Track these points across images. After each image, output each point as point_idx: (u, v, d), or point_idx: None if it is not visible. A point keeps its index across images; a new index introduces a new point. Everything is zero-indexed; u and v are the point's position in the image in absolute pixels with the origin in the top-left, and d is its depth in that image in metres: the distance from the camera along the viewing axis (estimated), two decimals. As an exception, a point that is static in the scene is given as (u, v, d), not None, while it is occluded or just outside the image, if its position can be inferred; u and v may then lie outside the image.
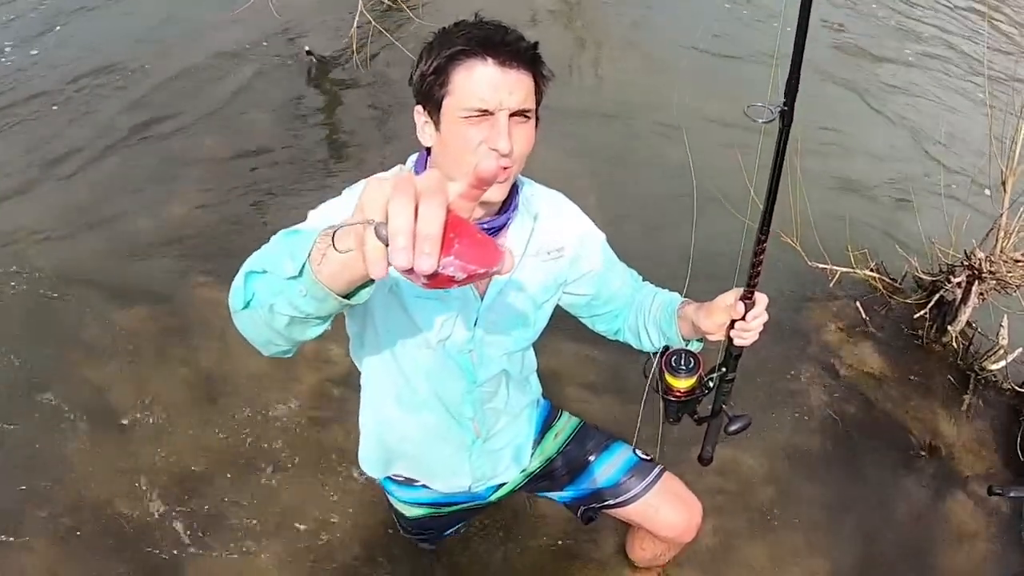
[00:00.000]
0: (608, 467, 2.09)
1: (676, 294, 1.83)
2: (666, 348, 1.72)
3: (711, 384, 1.70)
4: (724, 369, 1.72)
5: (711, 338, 1.65)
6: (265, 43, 5.27)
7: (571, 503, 2.18)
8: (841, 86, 5.58)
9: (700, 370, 1.65)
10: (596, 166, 4.42)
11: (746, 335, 1.61)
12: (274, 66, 5.08)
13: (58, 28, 5.20)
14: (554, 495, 2.18)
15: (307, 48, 5.12)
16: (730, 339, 1.64)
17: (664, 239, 3.80)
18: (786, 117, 1.36)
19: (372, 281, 0.98)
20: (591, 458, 2.10)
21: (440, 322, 1.62)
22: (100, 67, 4.84)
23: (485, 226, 1.54)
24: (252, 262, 1.16)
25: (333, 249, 0.93)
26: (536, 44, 1.43)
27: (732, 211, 2.84)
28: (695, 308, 1.68)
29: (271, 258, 1.11)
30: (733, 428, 1.73)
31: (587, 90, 5.20)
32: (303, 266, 1.00)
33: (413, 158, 1.63)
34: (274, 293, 1.09)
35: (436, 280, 0.79)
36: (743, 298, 1.56)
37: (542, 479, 2.13)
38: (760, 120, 1.35)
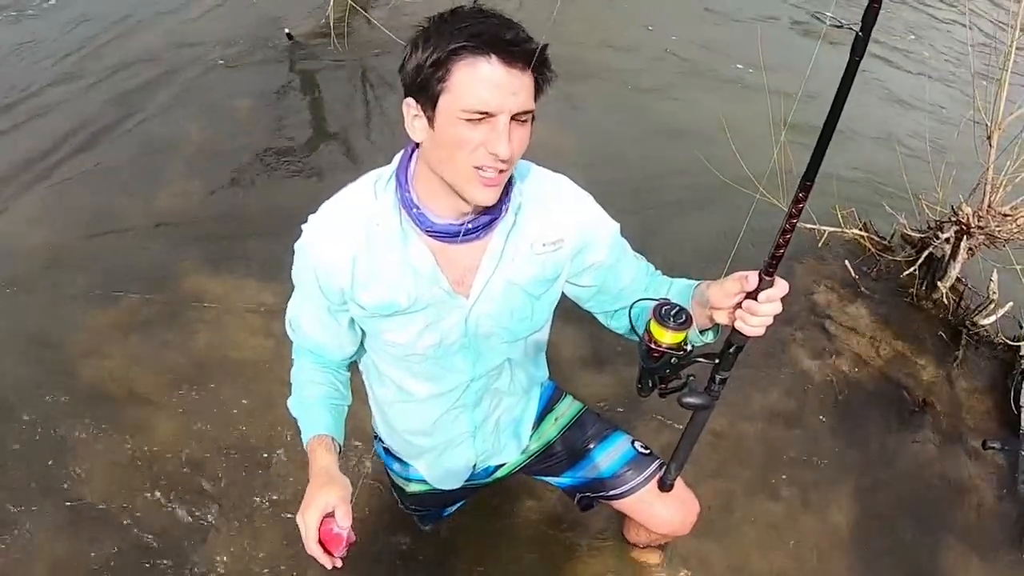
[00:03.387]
0: (607, 457, 2.07)
1: (694, 281, 1.64)
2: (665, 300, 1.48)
3: (689, 348, 1.46)
4: (718, 360, 1.51)
5: (719, 316, 1.46)
6: (242, 28, 5.21)
7: (568, 489, 2.18)
8: (824, 44, 5.54)
9: (689, 329, 1.42)
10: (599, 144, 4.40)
11: (751, 321, 1.39)
12: (253, 50, 5.03)
13: (31, 20, 5.14)
14: (552, 480, 2.18)
15: (286, 31, 5.07)
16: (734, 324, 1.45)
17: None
18: (859, 44, 1.15)
19: None
20: (591, 446, 2.08)
21: (420, 330, 1.60)
22: (79, 59, 4.79)
23: (470, 226, 1.49)
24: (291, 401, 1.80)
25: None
26: (546, 45, 1.33)
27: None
28: (708, 284, 1.52)
29: (298, 419, 1.76)
30: (687, 400, 1.52)
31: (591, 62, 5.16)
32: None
33: (397, 159, 1.53)
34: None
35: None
36: (763, 272, 1.36)
37: (541, 462, 2.12)
38: (827, 23, 1.16)
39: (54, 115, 4.33)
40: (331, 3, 5.07)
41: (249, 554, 2.48)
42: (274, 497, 2.63)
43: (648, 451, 2.09)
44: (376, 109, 4.59)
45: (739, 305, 1.41)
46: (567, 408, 2.13)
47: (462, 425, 1.86)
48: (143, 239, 3.59)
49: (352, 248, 1.50)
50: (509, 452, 2.03)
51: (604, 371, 3.15)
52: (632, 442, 2.09)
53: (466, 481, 2.04)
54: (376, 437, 2.10)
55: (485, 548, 2.55)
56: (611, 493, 2.06)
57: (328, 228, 1.53)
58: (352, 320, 1.64)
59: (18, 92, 4.48)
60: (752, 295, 1.38)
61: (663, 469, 2.00)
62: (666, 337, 1.40)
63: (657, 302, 1.43)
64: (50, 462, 2.66)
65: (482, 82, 1.28)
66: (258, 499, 2.62)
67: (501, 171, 1.37)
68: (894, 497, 2.89)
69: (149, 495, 2.60)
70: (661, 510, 2.06)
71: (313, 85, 4.87)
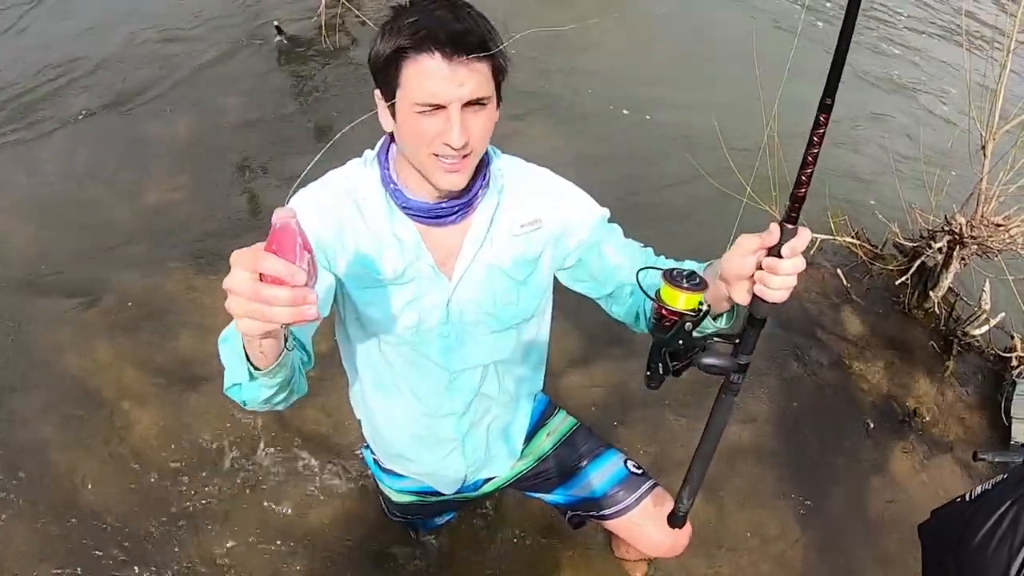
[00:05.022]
0: (598, 476, 2.03)
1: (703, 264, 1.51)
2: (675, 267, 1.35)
3: (705, 308, 1.30)
4: (738, 340, 1.34)
5: (737, 290, 1.29)
6: (233, 23, 5.18)
7: (559, 507, 2.15)
8: (816, 54, 5.54)
9: (703, 292, 1.28)
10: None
11: (772, 282, 1.23)
12: (243, 46, 5.00)
13: (19, 17, 5.09)
14: (543, 496, 2.14)
15: (276, 24, 5.03)
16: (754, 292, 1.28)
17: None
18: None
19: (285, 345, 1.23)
20: (583, 464, 2.05)
21: (401, 307, 1.58)
22: (66, 55, 4.74)
23: (444, 205, 1.50)
24: (226, 376, 1.33)
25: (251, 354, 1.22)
26: (489, 31, 1.36)
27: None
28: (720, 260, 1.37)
29: (231, 369, 1.30)
30: (705, 361, 1.35)
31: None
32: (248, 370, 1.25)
33: (380, 142, 1.57)
34: (257, 389, 1.30)
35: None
36: (784, 220, 1.22)
37: (532, 478, 2.09)
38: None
39: (39, 110, 4.28)
40: (323, 0, 5.05)
41: (232, 551, 2.44)
42: (258, 495, 2.60)
43: (641, 471, 2.05)
44: (366, 107, 4.53)
45: (759, 268, 1.26)
46: (560, 423, 2.10)
47: (448, 430, 1.82)
48: (129, 236, 3.55)
49: (339, 218, 1.52)
50: (500, 464, 2.00)
51: (593, 382, 3.13)
52: (625, 461, 2.06)
53: (455, 492, 2.01)
54: (365, 446, 2.07)
55: (471, 558, 2.52)
56: (602, 513, 2.03)
57: (316, 199, 1.53)
58: (332, 285, 1.56)
59: (4, 86, 4.44)
60: (773, 251, 1.23)
61: (652, 486, 1.98)
62: (679, 301, 1.27)
63: (666, 268, 1.31)
64: (32, 460, 2.62)
65: (428, 77, 1.32)
66: (242, 498, 2.59)
67: (465, 156, 1.40)
68: (883, 507, 2.88)
69: (131, 493, 2.56)
70: (652, 532, 2.01)
71: (303, 82, 4.83)
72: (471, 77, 1.33)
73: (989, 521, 1.34)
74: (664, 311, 1.29)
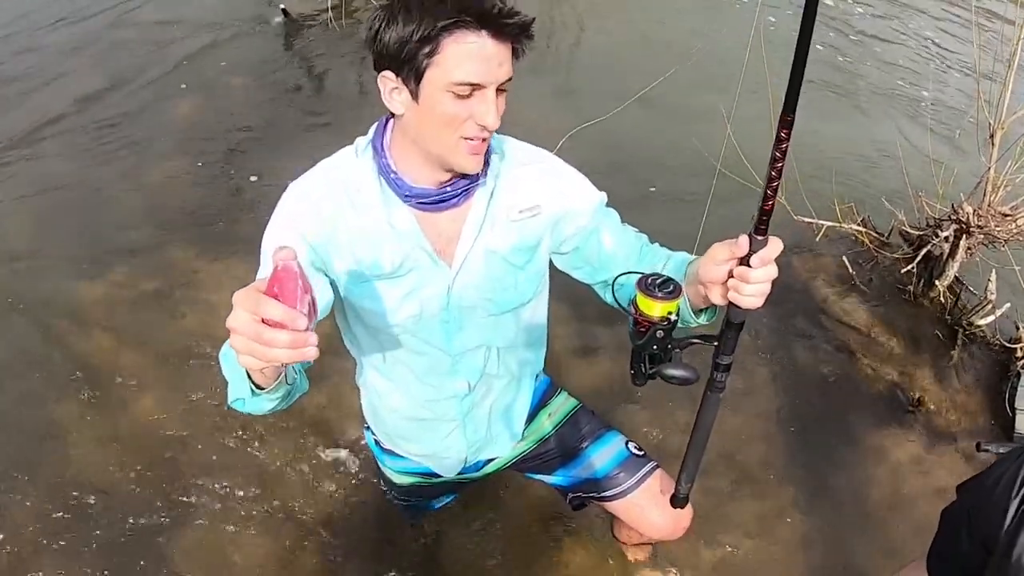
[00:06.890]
0: (599, 457, 2.03)
1: (692, 256, 1.53)
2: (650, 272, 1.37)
3: (675, 318, 1.32)
4: (717, 343, 1.36)
5: (713, 293, 1.32)
6: (237, 4, 5.15)
7: (560, 489, 2.14)
8: (825, 39, 5.52)
9: (679, 299, 1.31)
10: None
11: (745, 290, 1.25)
12: (248, 28, 4.99)
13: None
14: (544, 478, 2.14)
15: (281, 6, 5.01)
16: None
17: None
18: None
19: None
20: (584, 444, 2.04)
21: (401, 297, 1.57)
22: (70, 35, 4.74)
23: (448, 190, 1.48)
24: (229, 391, 1.35)
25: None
26: (532, 19, 1.35)
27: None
28: (697, 259, 1.41)
29: (234, 385, 1.32)
30: (667, 372, 1.37)
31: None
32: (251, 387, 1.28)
33: (372, 130, 1.54)
34: (260, 403, 1.32)
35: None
36: (753, 232, 1.23)
37: (533, 459, 2.08)
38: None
39: (44, 91, 4.28)
40: (329, -18, 5.03)
41: (234, 534, 2.45)
42: (261, 478, 2.61)
43: (642, 452, 2.05)
44: (372, 89, 4.52)
45: (731, 276, 1.29)
46: (562, 404, 2.09)
47: (450, 411, 1.82)
48: (132, 217, 3.55)
49: (332, 214, 1.49)
50: (501, 445, 1.99)
51: (594, 365, 3.12)
52: (626, 443, 2.05)
53: (457, 474, 2.01)
54: (367, 428, 2.07)
55: (472, 543, 2.53)
56: (603, 494, 2.02)
57: (308, 195, 1.51)
58: (329, 284, 1.56)
59: (8, 66, 4.42)
60: (745, 260, 1.25)
61: (653, 468, 1.97)
62: (655, 309, 1.31)
63: (641, 275, 1.34)
64: (33, 440, 2.64)
65: (472, 57, 1.29)
66: (243, 481, 2.59)
67: (484, 139, 1.39)
68: (886, 497, 2.87)
69: (133, 475, 2.57)
70: (653, 515, 2.01)
71: (309, 64, 4.82)
72: (508, 59, 1.34)
73: (997, 471, 1.33)
74: (638, 318, 1.33)
